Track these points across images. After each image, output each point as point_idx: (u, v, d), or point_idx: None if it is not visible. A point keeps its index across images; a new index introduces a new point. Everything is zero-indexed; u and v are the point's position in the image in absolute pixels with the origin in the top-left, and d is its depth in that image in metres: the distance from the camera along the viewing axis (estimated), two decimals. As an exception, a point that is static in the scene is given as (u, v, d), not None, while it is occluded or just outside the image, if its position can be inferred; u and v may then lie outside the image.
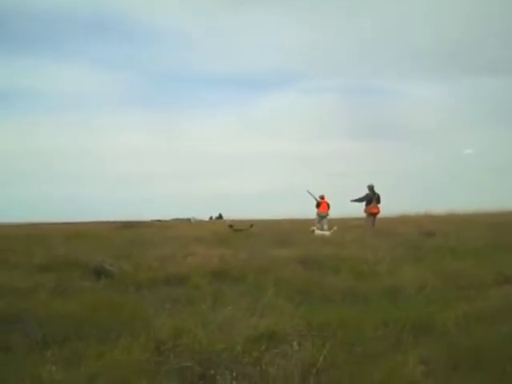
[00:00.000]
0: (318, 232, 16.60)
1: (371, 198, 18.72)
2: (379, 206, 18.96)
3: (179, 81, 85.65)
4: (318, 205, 21.82)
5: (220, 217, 54.33)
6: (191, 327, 4.81)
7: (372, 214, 18.92)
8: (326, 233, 16.48)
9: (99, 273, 8.40)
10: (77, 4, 76.48)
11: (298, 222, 26.69)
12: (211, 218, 56.28)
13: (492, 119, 78.89)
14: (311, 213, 22.78)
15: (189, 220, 55.02)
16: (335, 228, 16.82)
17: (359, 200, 18.94)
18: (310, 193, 22.08)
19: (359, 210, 19.47)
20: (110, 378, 4.01)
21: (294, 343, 4.58)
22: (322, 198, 22.26)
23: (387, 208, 20.23)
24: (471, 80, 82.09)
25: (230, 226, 24.78)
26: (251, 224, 24.61)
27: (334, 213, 21.87)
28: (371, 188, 18.90)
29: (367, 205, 18.84)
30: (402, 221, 21.34)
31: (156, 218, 50.67)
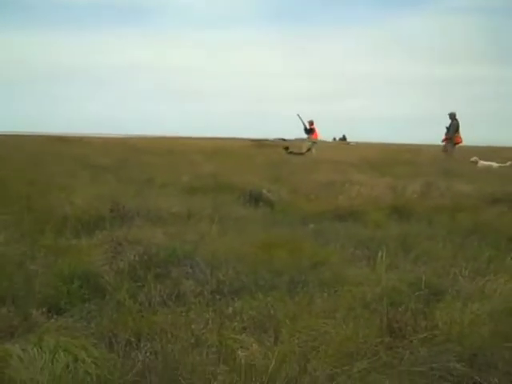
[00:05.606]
0: (482, 163, 14.55)
1: (457, 127, 17.82)
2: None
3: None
4: (309, 131, 21.34)
5: (344, 138, 52.57)
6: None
7: (456, 144, 18.02)
8: (494, 164, 14.37)
9: (257, 200, 7.34)
10: None
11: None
12: (334, 139, 54.60)
13: None
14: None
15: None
16: (509, 163, 14.66)
17: (453, 133, 17.71)
18: (299, 117, 21.43)
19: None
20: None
21: None
22: (312, 123, 21.29)
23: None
24: None
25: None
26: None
27: (474, 141, 20.97)
28: (454, 116, 17.88)
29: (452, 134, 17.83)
30: None
31: (279, 137, 49.99)
